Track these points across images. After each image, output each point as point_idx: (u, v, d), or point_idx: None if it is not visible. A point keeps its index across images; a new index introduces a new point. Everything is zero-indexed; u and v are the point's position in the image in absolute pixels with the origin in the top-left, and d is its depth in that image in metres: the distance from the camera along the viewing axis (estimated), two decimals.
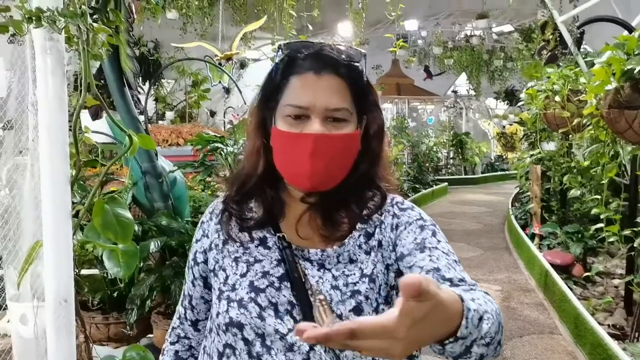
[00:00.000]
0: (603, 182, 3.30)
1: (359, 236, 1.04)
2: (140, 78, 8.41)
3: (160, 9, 5.59)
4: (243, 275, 1.03)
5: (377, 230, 1.05)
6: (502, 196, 11.77)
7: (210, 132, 2.82)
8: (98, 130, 2.94)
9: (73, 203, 2.01)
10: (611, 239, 3.22)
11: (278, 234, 1.05)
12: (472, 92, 14.52)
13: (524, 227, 6.89)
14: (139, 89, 3.04)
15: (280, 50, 1.07)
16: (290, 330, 0.96)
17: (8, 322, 2.99)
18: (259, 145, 1.08)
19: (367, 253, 1.03)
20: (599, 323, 3.85)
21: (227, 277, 1.05)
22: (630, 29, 4.64)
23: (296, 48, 1.06)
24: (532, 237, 6.23)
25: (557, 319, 4.50)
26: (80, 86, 1.66)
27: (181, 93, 9.47)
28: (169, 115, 9.03)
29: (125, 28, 2.79)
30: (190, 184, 5.43)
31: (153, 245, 2.42)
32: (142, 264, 2.62)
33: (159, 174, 2.77)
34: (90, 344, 2.11)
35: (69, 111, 1.72)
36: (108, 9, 2.56)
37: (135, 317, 2.42)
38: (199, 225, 1.17)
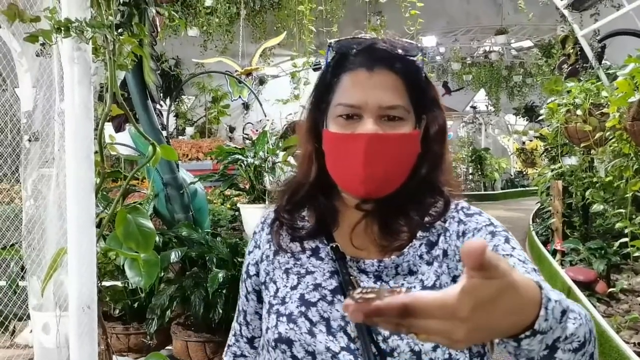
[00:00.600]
0: (627, 196, 3.24)
1: (420, 245, 0.95)
2: (162, 94, 8.55)
3: (185, 24, 5.68)
4: (293, 288, 0.96)
5: (441, 238, 0.95)
6: (522, 212, 11.64)
7: (230, 144, 2.84)
8: (120, 142, 2.98)
9: (96, 213, 2.03)
10: (636, 254, 3.16)
11: (331, 244, 0.97)
12: (491, 108, 14.47)
13: (545, 244, 6.79)
14: (160, 102, 3.08)
15: (330, 49, 1.00)
16: (343, 349, 0.88)
17: (30, 332, 3.02)
18: (311, 150, 1.01)
19: (429, 263, 0.94)
20: (625, 341, 3.76)
21: (277, 289, 0.98)
22: None
23: (347, 44, 0.98)
24: (553, 253, 6.14)
25: None
26: (106, 95, 1.69)
27: (201, 109, 9.58)
28: (189, 130, 9.13)
29: (149, 42, 2.84)
30: (210, 198, 5.49)
31: (174, 256, 2.44)
32: (162, 274, 2.64)
33: (179, 185, 2.80)
34: (112, 353, 2.12)
35: (94, 121, 1.75)
36: (133, 23, 2.62)
37: (155, 327, 2.42)
38: (251, 236, 1.11)
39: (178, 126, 9.33)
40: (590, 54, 4.67)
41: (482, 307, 0.51)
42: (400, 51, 0.96)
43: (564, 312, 0.63)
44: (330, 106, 0.97)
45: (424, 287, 0.91)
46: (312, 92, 1.04)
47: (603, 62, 5.47)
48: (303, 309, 0.93)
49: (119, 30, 2.11)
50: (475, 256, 0.49)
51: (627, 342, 3.83)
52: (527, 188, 13.01)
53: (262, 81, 10.15)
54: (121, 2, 2.11)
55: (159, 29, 2.62)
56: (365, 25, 7.82)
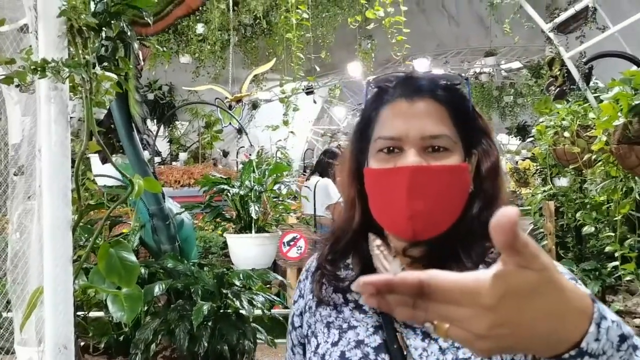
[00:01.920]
0: (616, 219, 3.24)
1: None
2: (155, 120, 8.58)
3: (170, 55, 5.72)
4: (334, 344, 0.89)
5: None
6: None
7: (216, 174, 2.84)
8: (108, 173, 2.98)
9: (79, 246, 2.02)
10: (627, 278, 3.15)
11: None
12: None
13: None
14: (147, 132, 3.08)
15: (369, 86, 0.96)
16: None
17: None
18: (354, 194, 0.94)
19: None
20: None
21: (317, 344, 0.92)
22: (639, 64, 4.64)
23: (385, 78, 0.93)
24: None
25: None
26: (83, 133, 1.69)
27: (195, 134, 9.62)
28: (182, 156, 9.15)
29: (133, 74, 2.85)
30: (201, 224, 5.47)
31: (158, 289, 2.42)
32: (147, 307, 2.61)
33: (166, 216, 2.78)
34: None
35: (72, 157, 1.75)
36: (117, 57, 2.63)
37: None
38: (297, 284, 1.05)
39: (172, 152, 9.35)
40: (577, 75, 4.71)
41: (513, 299, 0.44)
42: (441, 79, 0.90)
43: (623, 338, 0.54)
44: (371, 143, 0.91)
45: None
46: (353, 131, 0.98)
47: (593, 82, 5.50)
48: None
49: (104, 64, 2.13)
50: (505, 229, 0.43)
51: None
52: (521, 208, 12.99)
53: (255, 105, 10.20)
54: (104, 37, 2.11)
55: (142, 63, 2.63)
56: (356, 49, 7.89)
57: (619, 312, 4.95)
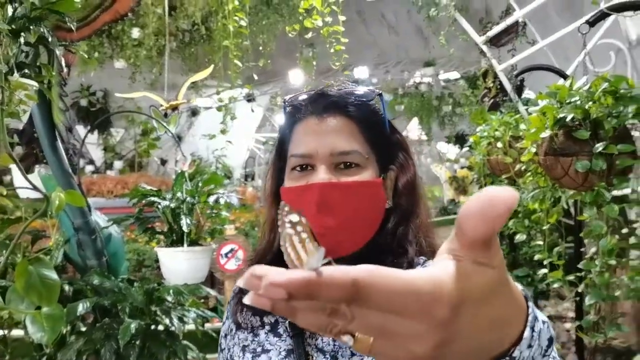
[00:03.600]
0: (544, 228, 3.35)
1: None
2: (89, 127, 8.27)
3: (97, 61, 5.53)
4: None
5: None
6: None
7: (146, 185, 2.74)
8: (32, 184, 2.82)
9: None
10: (555, 285, 3.25)
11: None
12: (423, 137, 14.85)
13: None
14: (73, 141, 2.95)
15: (285, 105, 0.97)
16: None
17: None
18: (274, 215, 0.94)
19: None
20: None
21: None
22: (565, 77, 4.83)
23: (297, 96, 0.94)
24: None
25: None
26: None
27: (131, 142, 9.35)
28: (117, 164, 8.86)
29: (57, 82, 2.72)
30: (134, 237, 5.30)
31: (82, 307, 2.29)
32: (71, 326, 2.48)
33: (92, 230, 2.66)
34: None
35: None
36: (38, 64, 2.50)
37: None
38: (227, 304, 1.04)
39: (106, 160, 9.05)
40: (509, 87, 4.86)
41: (470, 306, 0.34)
42: (351, 95, 0.90)
43: (551, 342, 0.47)
44: (287, 161, 0.91)
45: None
46: (271, 154, 0.98)
47: (525, 94, 5.71)
48: None
49: (24, 71, 2.01)
50: (494, 216, 0.32)
51: None
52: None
53: (194, 112, 10.02)
54: (23, 43, 2.00)
55: (64, 69, 2.50)
56: (297, 57, 7.88)
57: (550, 317, 5.13)
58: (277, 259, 0.91)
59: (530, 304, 0.45)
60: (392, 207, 0.91)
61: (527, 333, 0.42)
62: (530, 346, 0.42)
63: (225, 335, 0.98)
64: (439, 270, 0.35)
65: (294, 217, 0.46)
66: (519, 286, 0.44)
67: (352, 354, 0.84)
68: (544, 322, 0.47)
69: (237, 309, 0.94)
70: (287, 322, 0.89)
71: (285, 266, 0.72)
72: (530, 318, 0.43)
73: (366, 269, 0.32)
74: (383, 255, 0.87)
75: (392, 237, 0.89)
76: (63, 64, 2.57)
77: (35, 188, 1.68)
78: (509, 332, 0.41)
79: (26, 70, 2.13)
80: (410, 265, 0.87)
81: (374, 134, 0.90)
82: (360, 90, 0.91)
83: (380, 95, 0.93)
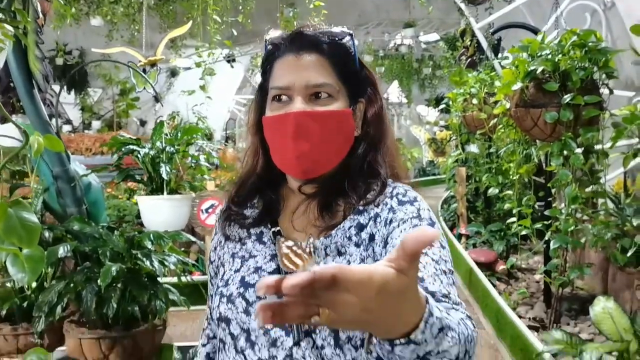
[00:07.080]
0: (514, 178, 3.46)
1: (350, 227, 0.97)
2: (65, 86, 8.15)
3: (74, 15, 5.44)
4: (237, 271, 1.01)
5: (371, 222, 0.97)
6: (433, 200, 12.02)
7: (126, 134, 2.76)
8: (7, 133, 2.82)
9: None
10: (523, 232, 3.37)
11: (273, 229, 1.02)
12: (403, 100, 14.89)
13: (451, 228, 7.10)
14: (50, 92, 2.94)
15: (266, 44, 1.05)
16: (275, 325, 0.91)
17: None
18: (257, 142, 1.06)
19: (357, 245, 0.96)
20: (520, 316, 4.00)
21: (224, 272, 1.04)
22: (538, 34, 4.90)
23: (278, 36, 1.04)
24: (459, 237, 6.43)
25: (481, 314, 4.65)
26: None
27: (109, 102, 9.24)
28: (96, 124, 8.77)
29: (33, 29, 2.70)
30: (115, 193, 5.32)
31: (62, 250, 2.33)
32: (51, 269, 2.53)
33: (71, 178, 2.68)
34: None
35: None
36: (14, 8, 2.48)
37: (43, 325, 2.31)
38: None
39: (84, 120, 8.94)
40: (485, 45, 4.91)
41: (386, 295, 0.53)
42: (326, 35, 1.00)
43: (441, 329, 0.65)
44: (268, 94, 1.02)
45: None
46: (257, 87, 1.09)
47: (502, 53, 5.78)
48: (242, 290, 0.97)
49: None
50: (423, 243, 0.50)
51: (523, 318, 4.09)
52: (438, 176, 13.54)
53: (174, 73, 9.92)
54: None
55: (40, 15, 2.49)
56: (277, 17, 7.80)
57: (522, 270, 5.31)
58: (260, 179, 1.06)
59: (429, 306, 0.63)
60: (361, 135, 1.02)
61: (421, 325, 0.61)
62: (423, 332, 0.62)
63: (215, 248, 1.11)
64: (374, 269, 0.52)
65: (289, 243, 0.67)
66: (423, 293, 0.62)
67: (326, 254, 0.97)
68: (437, 318, 0.64)
69: (225, 224, 1.07)
70: (270, 231, 1.01)
71: (265, 186, 1.05)
72: (425, 315, 0.62)
73: (337, 266, 0.49)
74: (357, 176, 1.01)
75: (363, 160, 1.01)
76: (39, 10, 2.55)
77: (18, 126, 1.71)
78: (410, 321, 0.61)
79: (1, 15, 2.13)
80: (384, 185, 1.00)
81: (345, 69, 1.01)
82: (333, 30, 1.01)
83: (351, 35, 1.03)
